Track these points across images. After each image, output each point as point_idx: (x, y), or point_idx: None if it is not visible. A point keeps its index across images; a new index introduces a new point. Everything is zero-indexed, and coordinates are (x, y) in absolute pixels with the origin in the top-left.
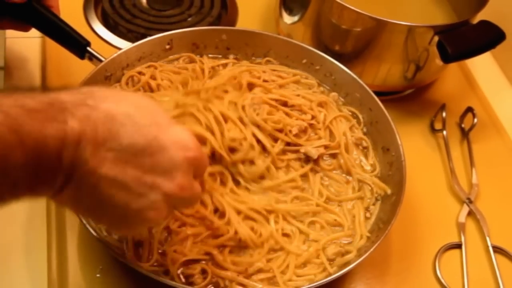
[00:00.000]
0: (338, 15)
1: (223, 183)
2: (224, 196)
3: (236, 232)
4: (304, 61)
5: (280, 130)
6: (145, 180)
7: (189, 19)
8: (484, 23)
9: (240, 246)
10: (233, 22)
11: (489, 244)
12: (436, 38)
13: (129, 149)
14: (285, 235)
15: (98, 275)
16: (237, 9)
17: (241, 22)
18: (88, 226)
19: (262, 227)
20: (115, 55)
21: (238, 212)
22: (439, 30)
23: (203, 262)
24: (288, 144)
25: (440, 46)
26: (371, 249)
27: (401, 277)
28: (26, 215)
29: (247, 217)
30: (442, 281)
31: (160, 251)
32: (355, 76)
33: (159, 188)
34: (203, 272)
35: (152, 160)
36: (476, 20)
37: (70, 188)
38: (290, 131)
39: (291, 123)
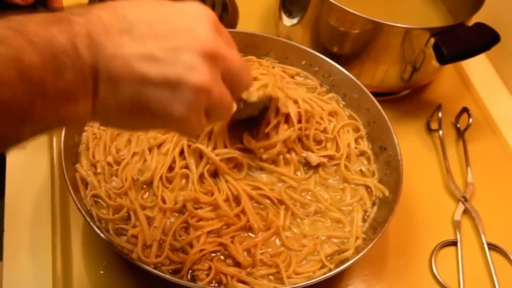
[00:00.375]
0: (337, 18)
1: (238, 168)
2: (238, 181)
3: (248, 221)
4: (303, 62)
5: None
6: (170, 45)
7: None
8: (479, 26)
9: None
10: (233, 24)
11: (484, 241)
12: (432, 40)
13: (140, 23)
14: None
15: (101, 271)
16: (238, 12)
17: (242, 24)
18: (92, 224)
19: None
20: None
21: (251, 198)
22: (435, 32)
23: (214, 254)
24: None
25: (436, 47)
26: (369, 246)
27: (398, 274)
28: (32, 215)
29: (258, 203)
30: (438, 277)
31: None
32: (353, 77)
33: (188, 47)
34: (208, 268)
35: (168, 26)
36: (471, 22)
37: (103, 84)
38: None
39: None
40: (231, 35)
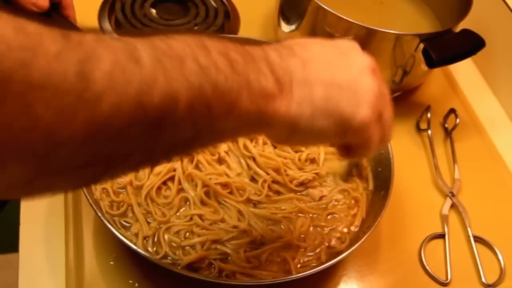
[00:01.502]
0: (332, 25)
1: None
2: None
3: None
4: None
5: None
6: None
7: (195, 28)
8: (466, 32)
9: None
10: (235, 31)
11: (470, 234)
12: (421, 46)
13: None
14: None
15: (111, 262)
16: (239, 19)
17: (243, 31)
18: (102, 217)
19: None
20: None
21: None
22: (424, 38)
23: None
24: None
25: (425, 52)
26: (362, 239)
27: (390, 265)
28: (46, 208)
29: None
30: (427, 267)
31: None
32: None
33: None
34: (210, 264)
35: (346, 59)
36: (458, 28)
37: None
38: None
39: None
40: (233, 40)
